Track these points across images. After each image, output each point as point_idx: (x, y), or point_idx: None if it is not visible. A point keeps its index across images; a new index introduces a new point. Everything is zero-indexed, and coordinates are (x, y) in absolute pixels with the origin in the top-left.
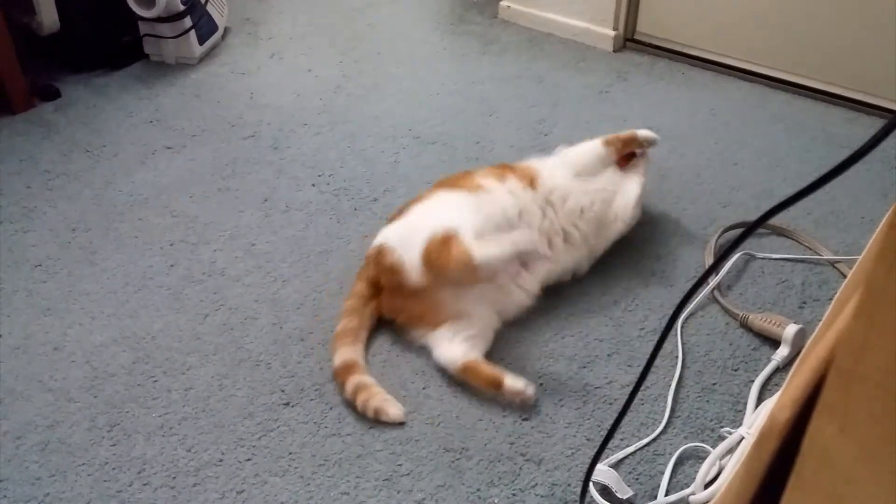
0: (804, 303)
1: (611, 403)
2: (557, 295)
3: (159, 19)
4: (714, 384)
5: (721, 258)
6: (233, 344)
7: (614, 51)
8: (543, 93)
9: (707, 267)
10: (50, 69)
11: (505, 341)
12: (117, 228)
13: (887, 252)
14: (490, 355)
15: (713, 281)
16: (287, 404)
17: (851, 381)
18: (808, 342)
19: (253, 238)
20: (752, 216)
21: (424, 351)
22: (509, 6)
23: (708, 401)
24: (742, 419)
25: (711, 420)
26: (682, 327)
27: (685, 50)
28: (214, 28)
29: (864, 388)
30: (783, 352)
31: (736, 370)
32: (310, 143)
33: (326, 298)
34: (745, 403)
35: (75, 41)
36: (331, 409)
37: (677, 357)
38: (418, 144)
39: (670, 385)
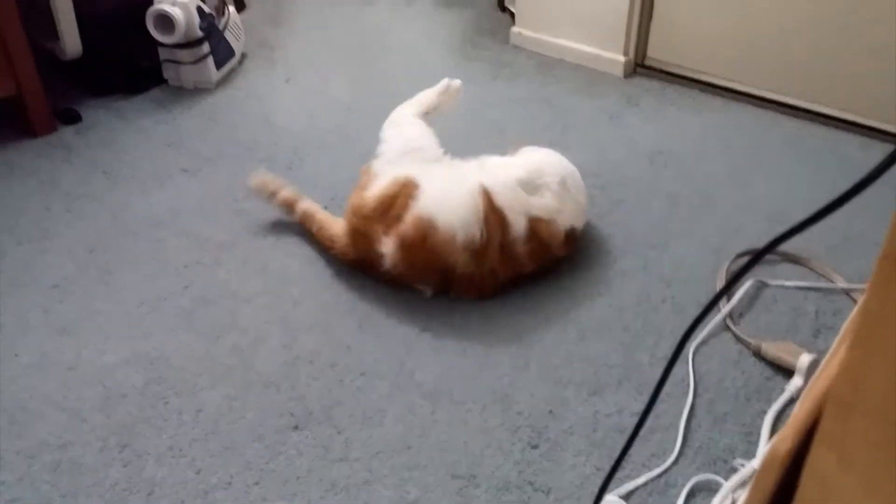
0: (818, 331)
1: (621, 431)
2: (566, 319)
3: (178, 45)
4: (726, 414)
5: (730, 284)
6: (243, 365)
7: (625, 76)
8: (554, 116)
9: (717, 291)
10: (72, 93)
11: (513, 366)
12: (133, 249)
13: (882, 283)
14: (497, 379)
15: (725, 308)
16: (296, 427)
17: (850, 412)
18: (817, 372)
19: (266, 259)
20: (765, 242)
21: (433, 369)
22: (521, 32)
23: (720, 431)
24: (755, 451)
25: (724, 451)
26: (693, 355)
27: (696, 76)
28: (231, 53)
29: (863, 419)
30: (797, 382)
31: (749, 400)
32: (324, 164)
33: (337, 320)
34: (759, 434)
35: (97, 66)
36: (339, 433)
37: (689, 385)
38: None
39: (682, 414)
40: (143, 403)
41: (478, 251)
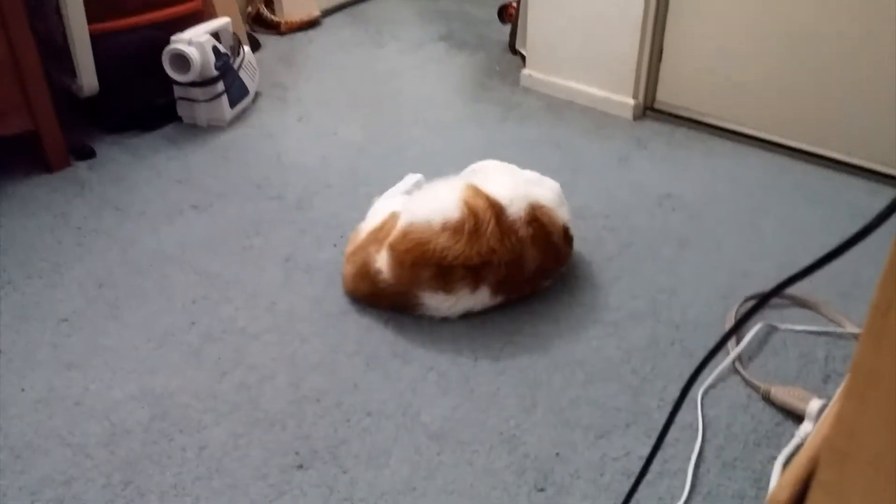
0: (828, 377)
1: (629, 476)
2: (574, 361)
3: (193, 84)
4: (735, 459)
5: (737, 327)
6: (249, 403)
7: (634, 119)
8: (563, 158)
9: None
10: (87, 130)
11: (520, 407)
12: (142, 285)
13: (874, 333)
14: (503, 421)
15: (734, 352)
16: (300, 467)
17: (845, 460)
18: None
19: (273, 297)
20: (773, 286)
21: (439, 409)
22: (531, 74)
23: (729, 477)
24: (765, 497)
25: (733, 497)
26: (702, 399)
27: (705, 119)
28: (245, 92)
29: (857, 467)
30: (807, 428)
31: (758, 445)
32: (333, 204)
33: (344, 359)
34: (768, 481)
35: (112, 103)
36: (344, 472)
37: (697, 429)
38: None
39: (690, 459)
40: (147, 440)
41: (466, 231)
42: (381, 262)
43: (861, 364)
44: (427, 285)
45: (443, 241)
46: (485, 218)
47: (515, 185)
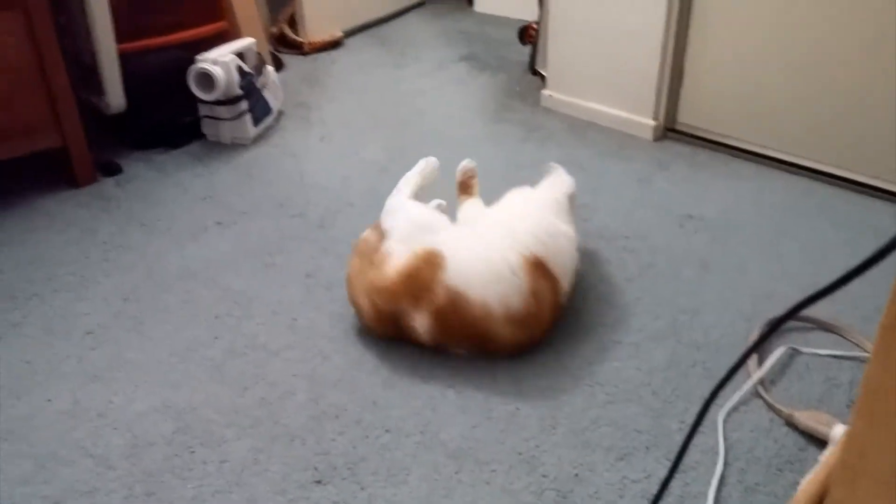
0: (852, 401)
1: (648, 498)
2: (594, 382)
3: (218, 102)
4: (758, 484)
5: (756, 346)
6: (270, 418)
7: (655, 140)
8: (584, 179)
9: (743, 353)
10: (114, 146)
11: (539, 428)
12: (166, 300)
13: (884, 352)
14: (523, 441)
15: (756, 375)
16: (319, 482)
17: (856, 477)
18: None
19: (295, 313)
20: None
21: (458, 428)
22: (551, 95)
23: (751, 502)
24: None
25: None
26: (724, 422)
27: (727, 141)
28: (269, 111)
29: (868, 485)
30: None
31: (781, 470)
32: (354, 223)
33: (364, 376)
34: None
35: (139, 121)
36: (362, 489)
37: (719, 453)
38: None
39: (711, 483)
40: (169, 452)
41: (529, 323)
42: (421, 323)
43: (871, 382)
44: (464, 346)
45: (505, 332)
46: (545, 300)
47: (559, 247)
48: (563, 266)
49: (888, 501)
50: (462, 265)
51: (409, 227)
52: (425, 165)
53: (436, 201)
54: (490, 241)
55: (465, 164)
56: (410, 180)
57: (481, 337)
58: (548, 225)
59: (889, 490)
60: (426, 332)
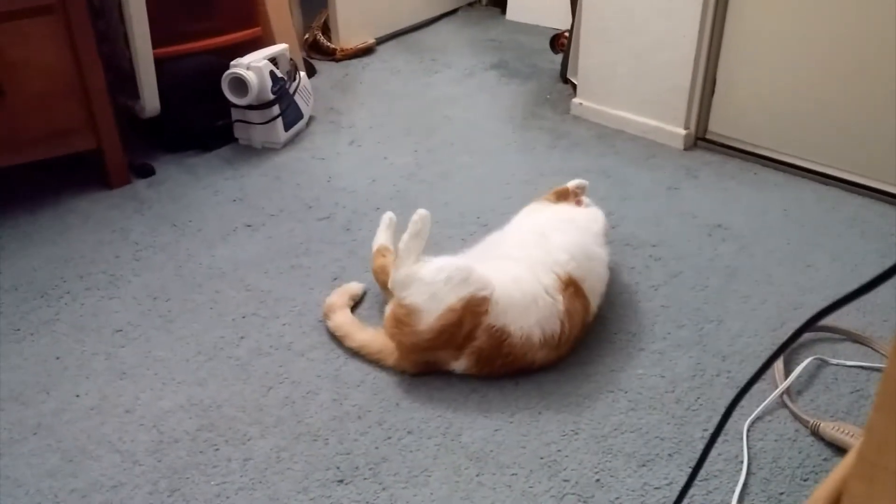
0: None
1: None
2: (618, 388)
3: (250, 107)
4: (781, 494)
5: (778, 353)
6: (293, 417)
7: (685, 149)
8: (612, 187)
9: (765, 361)
10: (147, 149)
11: (561, 432)
12: (195, 299)
13: None
14: (544, 445)
15: (783, 385)
16: (341, 482)
17: (875, 472)
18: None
19: (320, 314)
20: (826, 322)
21: (480, 431)
22: (581, 103)
23: None
24: None
25: None
26: (748, 431)
27: (757, 150)
28: (300, 116)
29: (887, 479)
30: None
31: (805, 480)
32: None
33: (387, 378)
34: None
35: (173, 124)
36: (384, 489)
37: (743, 462)
38: (485, 232)
39: (734, 491)
40: (194, 449)
41: (561, 341)
42: (460, 364)
43: (891, 376)
44: (501, 374)
45: (540, 356)
46: (577, 321)
47: (592, 267)
48: (594, 288)
49: None
50: (502, 301)
51: (430, 288)
52: (416, 221)
53: (388, 214)
54: (526, 263)
55: (578, 181)
56: (409, 247)
57: (518, 364)
58: (584, 246)
59: None
60: (465, 370)
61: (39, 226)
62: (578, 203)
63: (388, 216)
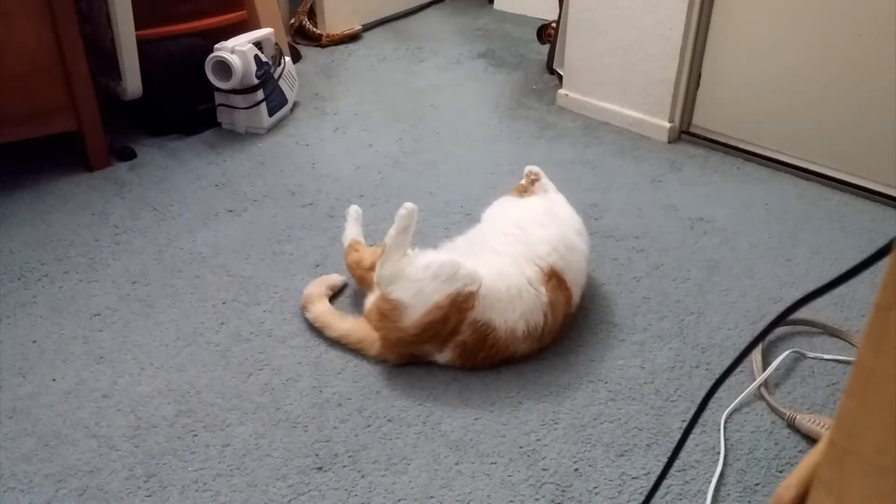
0: None
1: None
2: (598, 379)
3: (234, 91)
4: (757, 484)
5: (753, 345)
6: (273, 404)
7: (669, 142)
8: (597, 178)
9: (740, 353)
10: (129, 132)
11: (541, 422)
12: (174, 284)
13: (875, 333)
14: (524, 434)
15: (760, 377)
16: (320, 469)
17: (845, 457)
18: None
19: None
20: (806, 316)
21: (460, 420)
22: (567, 94)
23: (749, 501)
24: None
25: None
26: (725, 422)
27: (741, 145)
28: (284, 101)
29: (856, 464)
30: None
31: (781, 472)
32: (365, 214)
33: (368, 366)
34: None
35: (155, 107)
36: (363, 477)
37: (720, 453)
38: (469, 221)
39: (710, 482)
40: (171, 435)
41: (543, 332)
42: (444, 356)
43: (862, 362)
44: (484, 365)
45: (523, 347)
46: (559, 312)
47: (575, 258)
48: (576, 280)
49: (875, 480)
50: (489, 296)
51: (417, 284)
52: (403, 216)
53: (353, 208)
54: (510, 257)
55: (532, 168)
56: (396, 242)
57: (501, 356)
58: (565, 238)
59: (878, 469)
60: (448, 362)
61: (18, 207)
62: (532, 183)
63: (353, 209)
